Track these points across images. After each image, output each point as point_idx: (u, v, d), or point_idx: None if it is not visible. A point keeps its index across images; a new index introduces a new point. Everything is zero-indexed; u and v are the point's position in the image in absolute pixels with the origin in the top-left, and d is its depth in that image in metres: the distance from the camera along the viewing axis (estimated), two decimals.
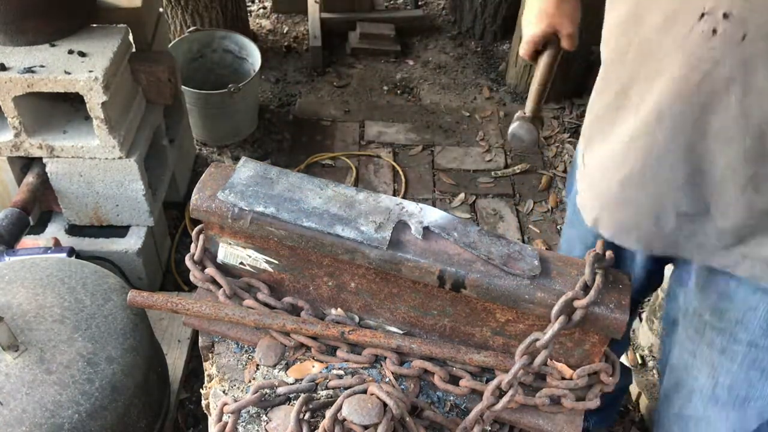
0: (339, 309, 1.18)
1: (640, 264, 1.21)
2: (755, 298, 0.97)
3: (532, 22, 1.23)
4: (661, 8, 0.86)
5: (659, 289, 1.86)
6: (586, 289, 0.98)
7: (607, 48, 1.01)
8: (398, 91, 3.29)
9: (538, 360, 0.98)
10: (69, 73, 1.77)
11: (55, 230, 2.10)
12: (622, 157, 0.97)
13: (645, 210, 0.98)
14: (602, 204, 1.04)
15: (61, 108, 1.99)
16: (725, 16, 0.78)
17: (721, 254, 0.96)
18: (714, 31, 0.79)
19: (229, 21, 3.13)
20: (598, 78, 1.06)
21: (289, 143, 2.95)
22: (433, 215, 1.08)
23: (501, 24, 3.54)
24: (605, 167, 1.01)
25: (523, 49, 1.27)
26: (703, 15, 0.80)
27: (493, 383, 1.01)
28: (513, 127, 1.20)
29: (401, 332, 1.16)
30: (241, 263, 1.19)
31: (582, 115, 3.15)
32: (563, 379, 1.07)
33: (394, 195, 2.65)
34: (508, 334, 1.10)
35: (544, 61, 1.23)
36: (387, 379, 1.10)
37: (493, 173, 2.85)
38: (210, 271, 1.16)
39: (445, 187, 2.79)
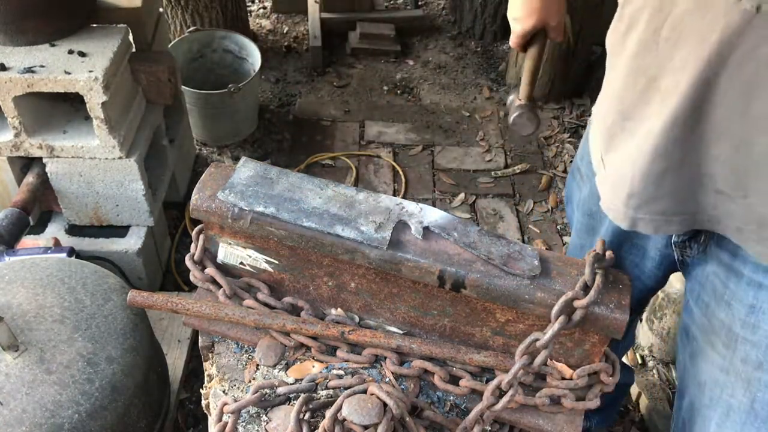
0: (339, 309, 1.18)
1: (656, 262, 1.19)
2: None
3: (520, 18, 1.27)
4: None
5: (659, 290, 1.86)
6: (586, 289, 0.98)
7: (627, 41, 0.97)
8: (398, 91, 3.29)
9: (538, 360, 0.98)
10: (69, 73, 1.77)
11: (55, 230, 2.10)
12: (656, 149, 0.92)
13: (686, 195, 0.95)
14: (638, 203, 0.99)
15: (61, 108, 1.99)
16: None
17: (760, 243, 0.92)
18: (758, 8, 0.75)
19: (229, 21, 3.14)
20: (613, 77, 1.03)
21: (289, 143, 2.95)
22: (433, 215, 1.08)
23: (501, 24, 3.54)
24: (635, 164, 0.97)
25: (513, 42, 1.31)
26: None
27: (493, 383, 1.01)
28: (514, 116, 1.21)
29: (401, 332, 1.16)
30: (241, 263, 1.19)
31: (582, 115, 3.16)
32: (563, 379, 1.07)
33: (394, 195, 2.65)
34: (508, 334, 1.10)
35: (533, 51, 1.27)
36: (387, 379, 1.10)
37: (493, 173, 2.85)
38: (210, 271, 1.16)
39: (445, 187, 2.79)
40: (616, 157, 1.03)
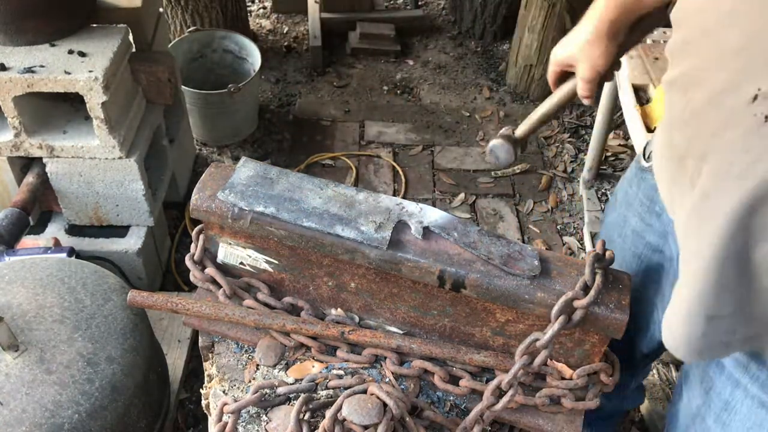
0: (339, 309, 1.18)
1: None
2: (760, 416, 0.89)
3: (561, 45, 1.15)
4: (710, 81, 0.75)
5: None
6: (586, 289, 0.98)
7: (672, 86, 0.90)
8: (398, 91, 3.29)
9: (538, 360, 0.98)
10: (69, 73, 1.77)
11: (55, 230, 2.10)
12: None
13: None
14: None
15: (61, 108, 1.99)
16: None
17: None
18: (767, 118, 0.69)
19: (229, 21, 3.14)
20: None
21: (289, 143, 2.95)
22: (433, 215, 1.08)
23: (501, 24, 3.54)
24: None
25: (549, 71, 1.19)
26: (756, 97, 0.69)
27: (493, 383, 1.01)
28: (493, 143, 1.15)
29: (401, 332, 1.16)
30: (241, 263, 1.19)
31: (582, 115, 3.16)
32: (563, 379, 1.07)
33: (394, 195, 2.65)
34: (508, 334, 1.10)
35: (559, 93, 1.16)
36: (387, 379, 1.10)
37: (493, 173, 2.85)
38: (210, 271, 1.16)
39: (445, 187, 2.79)
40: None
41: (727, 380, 0.93)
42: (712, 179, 0.78)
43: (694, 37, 0.81)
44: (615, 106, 2.38)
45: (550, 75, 1.19)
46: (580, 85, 1.12)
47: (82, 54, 1.83)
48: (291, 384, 1.07)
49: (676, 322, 0.88)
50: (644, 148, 1.20)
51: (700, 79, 0.79)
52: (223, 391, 1.12)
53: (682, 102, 0.84)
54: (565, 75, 1.17)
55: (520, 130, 1.17)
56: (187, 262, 1.18)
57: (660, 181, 1.03)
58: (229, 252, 1.18)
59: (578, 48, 1.09)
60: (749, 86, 0.70)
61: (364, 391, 0.99)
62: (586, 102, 1.14)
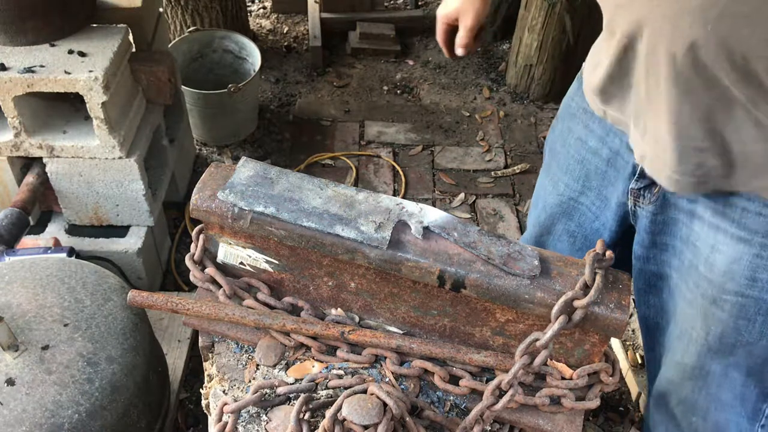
0: (339, 309, 1.18)
1: (613, 212, 1.24)
2: (738, 249, 1.00)
3: (444, 4, 1.32)
4: None
5: None
6: (586, 289, 0.99)
7: None
8: (398, 91, 3.29)
9: (538, 360, 0.98)
10: (69, 73, 1.77)
11: (55, 230, 2.10)
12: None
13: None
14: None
15: (61, 108, 1.99)
16: None
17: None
18: None
19: (229, 21, 3.14)
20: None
21: (289, 143, 2.95)
22: (433, 215, 1.08)
23: (501, 24, 3.54)
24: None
25: (438, 30, 1.37)
26: None
27: (493, 383, 1.01)
28: None
29: (401, 332, 1.16)
30: (241, 263, 1.19)
31: None
32: (563, 379, 1.07)
33: (394, 195, 2.65)
34: (508, 334, 1.10)
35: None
36: (387, 379, 1.10)
37: (493, 173, 2.85)
38: (210, 271, 1.16)
39: (445, 187, 2.79)
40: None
41: (709, 229, 1.04)
42: (654, 36, 0.89)
43: None
44: None
45: (441, 34, 1.38)
46: (461, 34, 1.29)
47: (82, 54, 1.83)
48: (291, 384, 1.07)
49: (658, 157, 1.01)
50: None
51: None
52: (223, 391, 1.12)
53: None
54: (452, 31, 1.34)
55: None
56: (187, 262, 1.18)
57: (598, 63, 1.13)
58: (229, 252, 1.18)
59: (460, 2, 1.28)
60: None
61: (364, 391, 0.99)
62: (461, 52, 1.34)
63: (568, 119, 1.30)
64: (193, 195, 1.11)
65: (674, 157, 0.98)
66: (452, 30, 1.36)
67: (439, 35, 1.39)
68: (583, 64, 1.22)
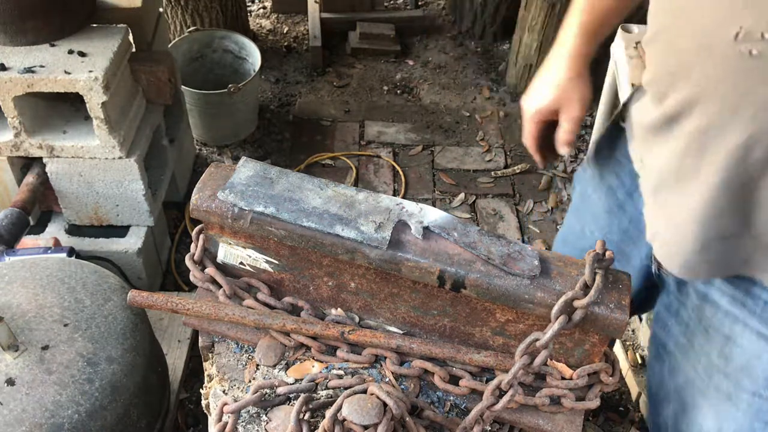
0: (339, 309, 1.18)
1: (636, 270, 1.16)
2: (759, 346, 0.93)
3: (533, 96, 1.10)
4: (692, 26, 0.78)
5: None
6: (586, 289, 0.98)
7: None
8: (398, 91, 3.29)
9: (538, 360, 0.98)
10: (69, 73, 1.77)
11: (55, 230, 2.10)
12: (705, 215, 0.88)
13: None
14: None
15: (61, 108, 1.99)
16: (763, 36, 0.71)
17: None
18: (750, 53, 0.72)
19: (229, 21, 3.14)
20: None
21: (289, 143, 2.95)
22: (433, 215, 1.08)
23: (501, 24, 3.54)
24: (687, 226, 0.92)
25: (527, 130, 1.14)
26: (737, 35, 0.73)
27: (493, 383, 1.01)
28: None
29: (401, 332, 1.16)
30: (241, 263, 1.19)
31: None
32: (563, 379, 1.07)
33: (394, 195, 2.65)
34: (508, 334, 1.10)
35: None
36: (387, 379, 1.10)
37: (493, 173, 2.85)
38: (210, 271, 1.16)
39: (445, 187, 2.79)
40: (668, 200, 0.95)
41: (724, 317, 0.96)
42: (707, 117, 0.81)
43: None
44: (615, 106, 2.38)
45: (531, 132, 1.14)
46: (567, 127, 1.09)
47: (82, 54, 1.83)
48: (291, 384, 1.07)
49: (675, 242, 0.93)
50: (620, 111, 1.18)
51: (680, 27, 0.82)
52: (223, 391, 1.12)
53: (667, 52, 0.87)
54: (546, 128, 1.12)
55: None
56: (187, 262, 1.18)
57: (636, 132, 1.04)
58: (229, 252, 1.18)
59: (560, 89, 1.07)
60: (731, 26, 0.73)
61: (364, 391, 0.99)
62: (565, 151, 1.12)
63: (601, 164, 1.20)
64: (193, 195, 1.11)
65: (695, 246, 0.90)
66: (547, 127, 1.14)
67: (530, 136, 1.16)
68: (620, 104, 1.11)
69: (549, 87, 1.09)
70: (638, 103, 1.03)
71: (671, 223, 0.93)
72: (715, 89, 0.79)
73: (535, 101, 1.12)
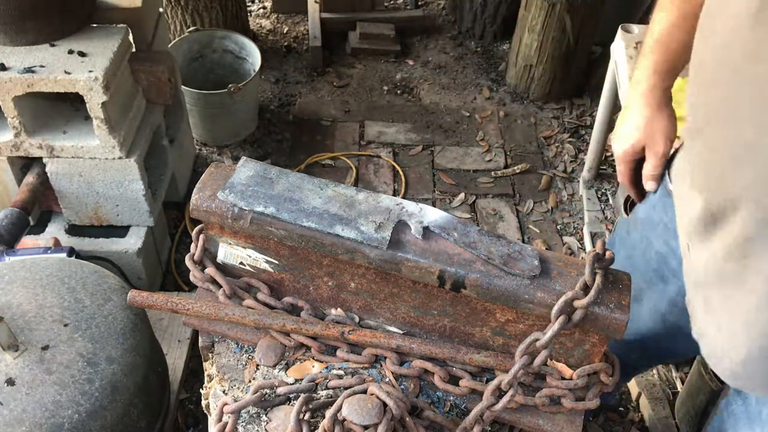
0: (339, 309, 1.18)
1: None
2: None
3: (620, 140, 1.12)
4: (736, 135, 0.74)
5: None
6: (586, 289, 0.98)
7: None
8: (398, 91, 3.29)
9: (538, 360, 0.98)
10: (69, 73, 1.77)
11: (55, 230, 2.10)
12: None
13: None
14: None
15: (61, 108, 1.99)
16: None
17: None
18: None
19: (229, 21, 3.14)
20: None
21: (289, 143, 2.95)
22: (433, 215, 1.08)
23: (501, 24, 3.54)
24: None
25: (621, 171, 1.16)
26: None
27: (493, 383, 1.00)
28: None
29: (401, 332, 1.16)
30: (241, 263, 1.19)
31: (582, 115, 3.16)
32: (563, 379, 1.07)
33: (394, 195, 2.65)
34: (508, 334, 1.10)
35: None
36: (387, 379, 1.10)
37: (493, 173, 2.85)
38: (210, 271, 1.16)
39: (445, 187, 2.79)
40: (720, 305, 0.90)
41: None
42: (749, 223, 0.77)
43: (709, 93, 0.81)
44: (615, 106, 2.38)
45: (626, 173, 1.16)
46: (653, 163, 1.10)
47: (82, 54, 1.83)
48: (291, 384, 1.07)
49: (722, 349, 0.88)
50: (667, 171, 1.17)
51: (719, 133, 0.78)
52: (223, 391, 1.12)
53: (708, 151, 0.83)
54: (637, 167, 1.15)
55: None
56: (187, 262, 1.18)
57: (681, 220, 1.00)
58: (229, 252, 1.18)
59: (642, 129, 1.09)
60: None
61: (364, 391, 0.99)
62: (652, 186, 1.12)
63: (649, 229, 1.19)
64: (193, 195, 1.11)
65: (742, 354, 0.86)
66: (637, 162, 1.16)
67: (625, 176, 1.19)
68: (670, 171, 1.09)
69: (632, 128, 1.12)
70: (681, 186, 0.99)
71: (714, 324, 0.89)
72: (758, 197, 0.75)
73: (622, 144, 1.15)
